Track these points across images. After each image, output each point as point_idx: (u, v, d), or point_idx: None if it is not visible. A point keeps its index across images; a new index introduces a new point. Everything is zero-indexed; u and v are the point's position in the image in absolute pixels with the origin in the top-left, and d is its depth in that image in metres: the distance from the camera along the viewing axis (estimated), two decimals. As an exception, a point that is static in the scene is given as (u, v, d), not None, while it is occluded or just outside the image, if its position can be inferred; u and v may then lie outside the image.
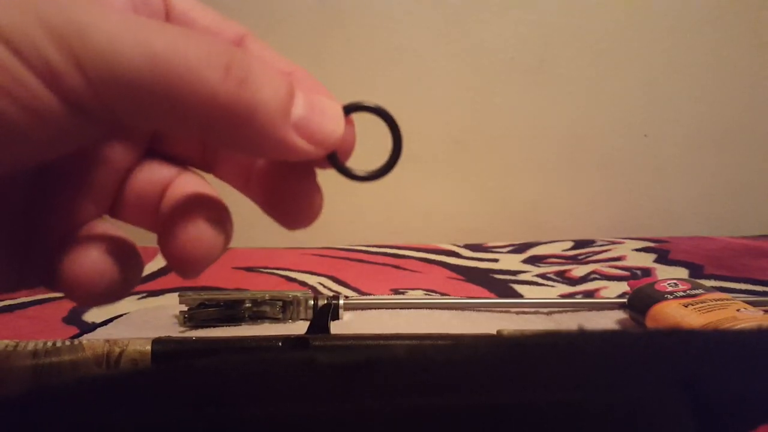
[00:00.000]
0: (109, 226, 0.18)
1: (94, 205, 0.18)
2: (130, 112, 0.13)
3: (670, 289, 0.39)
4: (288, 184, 0.18)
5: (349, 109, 0.16)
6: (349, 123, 0.17)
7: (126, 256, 0.17)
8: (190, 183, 0.18)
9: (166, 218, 0.17)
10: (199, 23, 0.17)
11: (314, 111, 0.15)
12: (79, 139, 0.14)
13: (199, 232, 0.16)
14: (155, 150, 0.19)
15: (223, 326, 0.41)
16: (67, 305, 0.47)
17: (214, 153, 0.19)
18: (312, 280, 0.56)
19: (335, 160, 0.17)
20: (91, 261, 0.16)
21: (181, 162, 0.19)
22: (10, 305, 0.46)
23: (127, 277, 0.17)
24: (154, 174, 0.18)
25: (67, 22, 0.12)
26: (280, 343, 0.24)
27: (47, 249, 0.17)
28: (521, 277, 0.57)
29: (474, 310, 0.44)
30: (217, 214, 0.17)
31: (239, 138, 0.14)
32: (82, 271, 0.16)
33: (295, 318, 0.42)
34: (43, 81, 0.12)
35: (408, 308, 0.44)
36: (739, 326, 0.33)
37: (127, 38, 0.13)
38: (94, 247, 0.16)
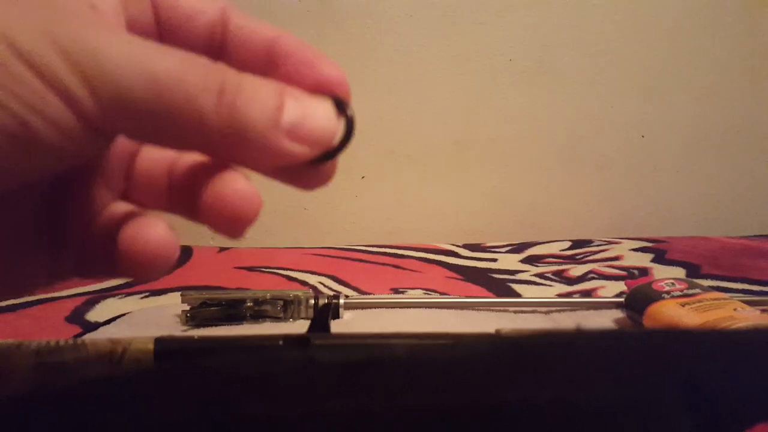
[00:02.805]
0: (131, 205, 0.18)
1: (108, 190, 0.18)
2: (134, 132, 0.15)
3: (667, 288, 0.39)
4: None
5: (339, 106, 0.16)
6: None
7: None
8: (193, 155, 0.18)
9: (192, 183, 0.17)
10: (182, 3, 0.17)
11: (305, 114, 0.15)
12: (94, 150, 0.15)
13: (242, 186, 0.16)
14: None
15: (224, 325, 0.41)
16: (70, 305, 0.48)
17: None
18: (313, 279, 0.56)
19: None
20: (159, 234, 0.16)
21: None
22: (12, 305, 0.47)
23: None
24: (158, 152, 0.19)
25: (80, 48, 0.13)
26: (281, 342, 0.25)
27: (76, 240, 0.17)
28: (519, 276, 0.57)
29: (473, 310, 0.45)
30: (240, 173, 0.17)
31: (237, 153, 0.15)
32: (155, 246, 0.16)
33: (296, 317, 0.42)
34: (63, 102, 0.13)
35: (408, 307, 0.45)
36: (736, 326, 0.33)
37: (134, 65, 0.14)
38: (155, 222, 0.16)
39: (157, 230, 0.16)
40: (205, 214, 0.16)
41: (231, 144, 0.15)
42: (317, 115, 0.16)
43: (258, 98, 0.15)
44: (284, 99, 0.15)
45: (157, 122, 0.14)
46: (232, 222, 0.16)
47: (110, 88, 0.13)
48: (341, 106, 0.16)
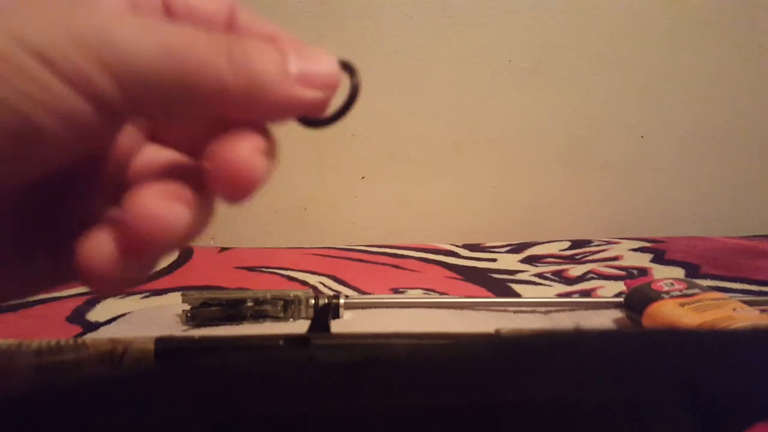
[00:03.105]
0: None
1: (101, 194, 0.18)
2: (155, 105, 0.15)
3: (666, 288, 0.39)
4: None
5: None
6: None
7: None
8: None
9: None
10: (193, 3, 0.18)
11: (308, 61, 0.16)
12: (104, 137, 0.15)
13: (251, 153, 0.16)
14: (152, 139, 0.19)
15: (225, 325, 0.41)
16: (71, 304, 0.48)
17: (202, 140, 0.19)
18: (313, 279, 0.56)
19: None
20: (100, 248, 0.16)
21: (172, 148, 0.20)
22: (13, 305, 0.47)
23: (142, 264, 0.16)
24: (153, 158, 0.19)
25: (93, 33, 0.13)
26: (281, 342, 0.25)
27: (69, 243, 0.17)
28: (519, 276, 0.57)
29: (472, 309, 0.45)
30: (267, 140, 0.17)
31: (254, 106, 0.16)
32: (93, 259, 0.16)
33: (296, 317, 0.42)
34: (73, 88, 0.13)
35: (407, 307, 0.45)
36: (734, 326, 0.33)
37: (147, 40, 0.14)
38: (102, 235, 0.16)
39: (103, 248, 0.15)
40: (212, 174, 0.16)
41: (250, 98, 0.15)
42: (320, 60, 0.17)
43: (264, 54, 0.16)
44: (286, 52, 0.16)
45: (179, 91, 0.14)
46: (236, 184, 0.16)
47: (130, 69, 0.14)
48: (347, 68, 0.17)
